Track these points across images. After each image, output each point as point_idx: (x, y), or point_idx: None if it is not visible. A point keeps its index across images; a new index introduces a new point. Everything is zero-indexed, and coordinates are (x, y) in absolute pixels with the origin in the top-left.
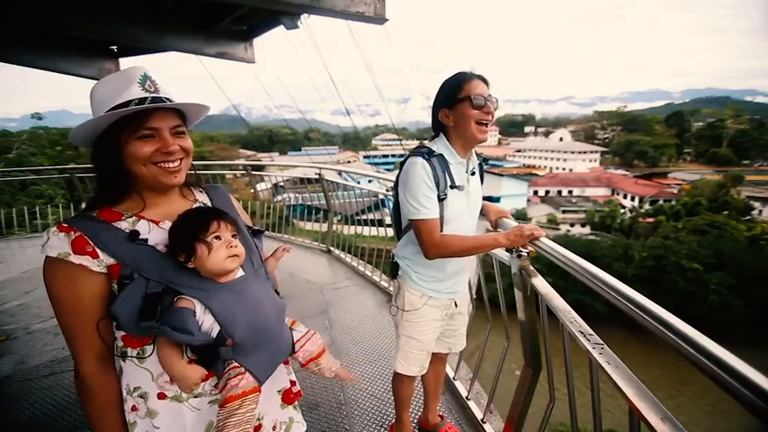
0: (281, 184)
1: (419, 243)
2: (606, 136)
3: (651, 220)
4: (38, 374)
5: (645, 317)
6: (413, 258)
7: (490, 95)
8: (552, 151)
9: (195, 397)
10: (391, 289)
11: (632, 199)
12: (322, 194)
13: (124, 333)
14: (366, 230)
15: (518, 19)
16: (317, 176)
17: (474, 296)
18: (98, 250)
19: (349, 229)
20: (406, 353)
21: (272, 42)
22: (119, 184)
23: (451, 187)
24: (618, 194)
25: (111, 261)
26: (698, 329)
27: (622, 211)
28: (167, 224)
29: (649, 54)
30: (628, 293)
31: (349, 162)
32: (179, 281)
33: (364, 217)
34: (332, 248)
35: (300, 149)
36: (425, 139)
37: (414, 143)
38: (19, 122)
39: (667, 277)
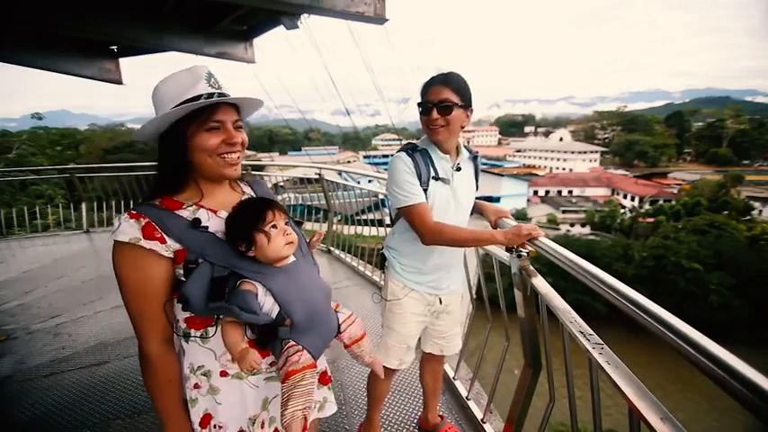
0: (281, 184)
1: (414, 229)
2: (606, 136)
3: (651, 220)
4: (38, 374)
5: (645, 317)
6: (397, 249)
7: (444, 100)
8: (552, 151)
9: (254, 375)
10: None
11: (632, 199)
12: (322, 194)
13: (188, 315)
14: (366, 230)
15: (518, 19)
16: (317, 176)
17: (474, 296)
18: (165, 236)
19: (349, 229)
20: (386, 344)
21: (272, 42)
22: (179, 175)
23: (434, 179)
24: (618, 194)
25: (177, 246)
26: (698, 329)
27: (622, 211)
28: (224, 213)
29: (649, 54)
30: (628, 293)
31: (349, 162)
32: (241, 265)
33: (364, 217)
34: (332, 248)
35: (300, 149)
36: None
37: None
38: (19, 122)
39: (667, 277)
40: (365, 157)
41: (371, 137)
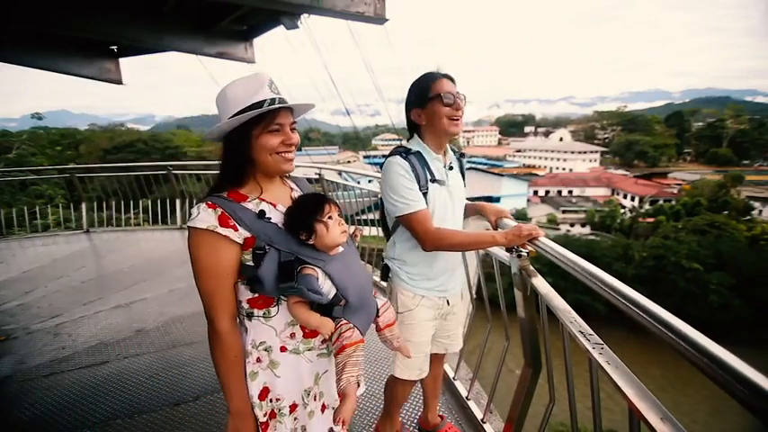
0: None
1: (414, 236)
2: (606, 136)
3: (651, 220)
4: (38, 374)
5: (645, 317)
6: (401, 258)
7: (458, 92)
8: (552, 151)
9: (309, 350)
10: None
11: (632, 199)
12: None
13: (250, 296)
14: (366, 230)
15: (518, 19)
16: (317, 176)
17: (474, 296)
18: (237, 225)
19: (349, 230)
20: (405, 359)
21: (272, 42)
22: (242, 170)
23: (432, 181)
24: (618, 194)
25: (247, 234)
26: (698, 329)
27: (622, 211)
28: (281, 207)
29: (649, 54)
30: (628, 293)
31: (349, 162)
32: (303, 252)
33: (364, 217)
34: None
35: (300, 149)
36: None
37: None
38: (19, 122)
39: (667, 277)
40: (365, 157)
41: (371, 137)
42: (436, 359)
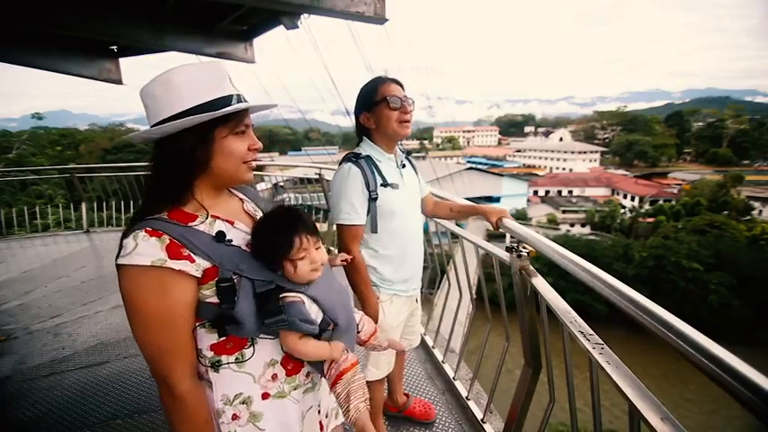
0: (281, 184)
1: (340, 247)
2: (606, 136)
3: (651, 220)
4: (38, 374)
5: (645, 317)
6: (370, 265)
7: (406, 96)
8: (552, 151)
9: (295, 389)
10: None
11: (632, 199)
12: (322, 194)
13: (214, 342)
14: None
15: (518, 19)
16: (317, 176)
17: (474, 296)
18: (192, 254)
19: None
20: (377, 359)
21: (271, 42)
22: (185, 182)
23: (383, 185)
24: (618, 194)
25: (207, 265)
26: (698, 329)
27: (622, 211)
28: (240, 225)
29: (649, 54)
30: (628, 293)
31: None
32: (282, 279)
33: None
34: (332, 248)
35: (300, 149)
36: (425, 139)
37: (413, 143)
38: (19, 122)
39: (667, 277)
40: None
41: None
42: (400, 353)
